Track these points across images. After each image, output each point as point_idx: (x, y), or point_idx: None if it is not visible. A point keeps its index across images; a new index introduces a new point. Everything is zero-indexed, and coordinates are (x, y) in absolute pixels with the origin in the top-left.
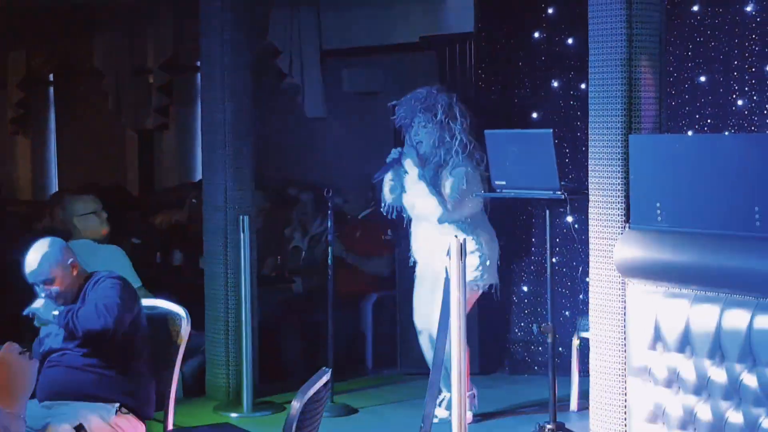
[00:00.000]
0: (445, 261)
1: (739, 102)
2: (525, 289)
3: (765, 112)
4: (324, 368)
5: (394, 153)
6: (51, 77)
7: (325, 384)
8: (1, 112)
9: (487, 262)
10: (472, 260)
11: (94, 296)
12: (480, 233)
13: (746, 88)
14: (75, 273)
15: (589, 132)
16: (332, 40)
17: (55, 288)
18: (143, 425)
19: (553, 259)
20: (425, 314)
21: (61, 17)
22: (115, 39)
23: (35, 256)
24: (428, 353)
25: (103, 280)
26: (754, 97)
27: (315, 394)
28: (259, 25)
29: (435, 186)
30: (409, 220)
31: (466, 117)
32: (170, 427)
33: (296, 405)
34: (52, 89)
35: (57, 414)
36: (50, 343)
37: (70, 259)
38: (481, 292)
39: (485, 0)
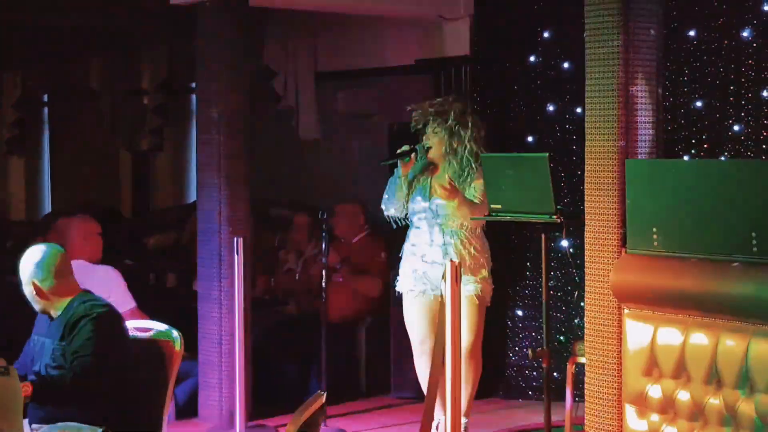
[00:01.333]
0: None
1: (735, 127)
2: (520, 313)
3: (761, 137)
4: (319, 391)
5: (404, 147)
6: (46, 98)
7: (320, 407)
8: None
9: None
10: (483, 273)
11: (71, 347)
12: (483, 244)
13: (742, 114)
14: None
15: (586, 156)
16: (327, 62)
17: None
18: None
19: (549, 283)
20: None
21: (56, 38)
22: (111, 60)
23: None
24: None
25: (83, 325)
26: (750, 123)
27: (310, 417)
28: (254, 46)
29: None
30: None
31: (478, 127)
32: None
33: (291, 429)
34: (46, 110)
35: None
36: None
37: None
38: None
39: (481, 24)
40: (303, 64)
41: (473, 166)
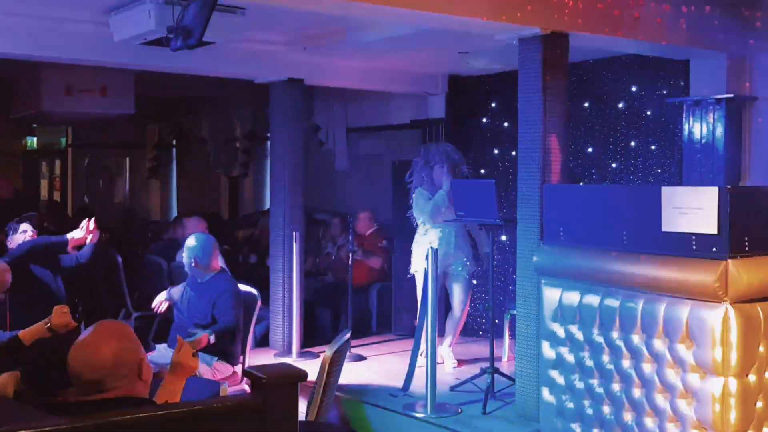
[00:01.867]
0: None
1: (613, 165)
2: (475, 282)
3: (629, 171)
4: (345, 330)
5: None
6: (174, 142)
7: (346, 340)
8: (142, 164)
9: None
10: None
11: (220, 308)
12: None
13: (618, 156)
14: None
15: (518, 182)
16: (354, 120)
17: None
18: (232, 368)
19: (494, 264)
20: None
21: (180, 103)
22: (216, 118)
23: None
24: None
25: (224, 292)
26: (622, 162)
27: (340, 346)
28: (308, 110)
29: None
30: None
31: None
32: (246, 366)
33: (328, 353)
34: (174, 150)
35: None
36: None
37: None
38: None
39: (452, 96)
40: (338, 122)
41: None
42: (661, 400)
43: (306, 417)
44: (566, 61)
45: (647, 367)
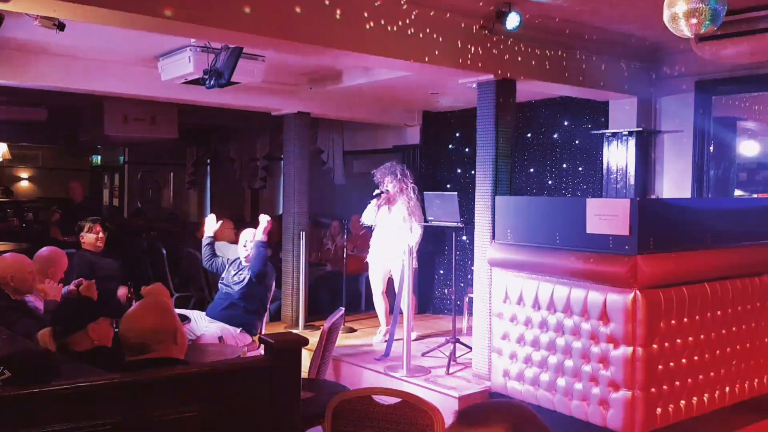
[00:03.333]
0: (397, 255)
1: (549, 182)
2: (441, 271)
3: (562, 187)
4: (340, 308)
5: (377, 191)
6: (208, 160)
7: (341, 315)
8: (183, 177)
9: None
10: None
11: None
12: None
13: (553, 175)
14: None
15: (476, 194)
16: (349, 144)
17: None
18: (251, 337)
19: (456, 257)
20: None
21: (214, 130)
22: (242, 142)
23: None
24: (378, 304)
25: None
26: (556, 180)
27: (335, 320)
28: (313, 137)
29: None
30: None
31: (410, 177)
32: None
33: (326, 326)
34: (209, 167)
35: (210, 328)
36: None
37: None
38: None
39: (426, 127)
40: (337, 146)
41: (413, 204)
42: (585, 365)
43: (308, 375)
44: (514, 101)
45: (573, 339)
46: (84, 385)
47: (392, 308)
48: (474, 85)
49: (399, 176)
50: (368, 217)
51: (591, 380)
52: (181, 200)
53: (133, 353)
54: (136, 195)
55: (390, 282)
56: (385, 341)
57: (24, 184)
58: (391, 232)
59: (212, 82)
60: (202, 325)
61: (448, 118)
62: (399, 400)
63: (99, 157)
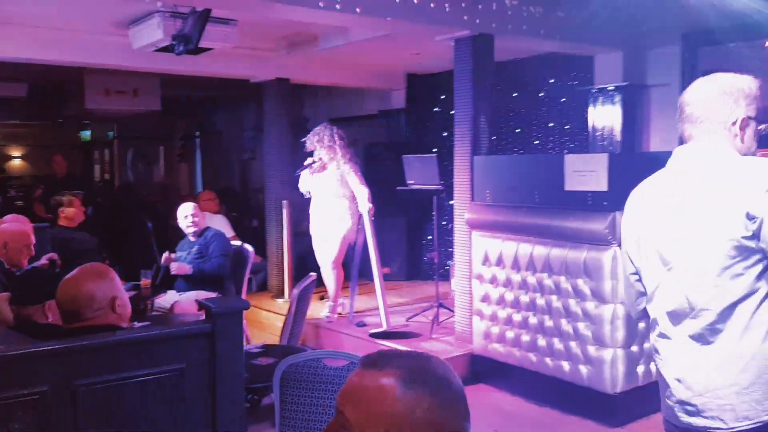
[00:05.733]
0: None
1: (536, 141)
2: (429, 237)
3: (548, 147)
4: (311, 273)
5: (309, 159)
6: (197, 134)
7: (311, 282)
8: (173, 151)
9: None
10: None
11: (212, 249)
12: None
13: (540, 135)
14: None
15: (454, 155)
16: (335, 112)
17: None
18: None
19: (442, 222)
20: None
21: (201, 102)
22: (229, 114)
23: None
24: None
25: (216, 238)
26: (542, 139)
27: (305, 286)
28: (298, 105)
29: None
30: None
31: (343, 139)
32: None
33: (295, 291)
34: (198, 140)
35: (187, 294)
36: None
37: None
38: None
39: (410, 92)
40: (322, 114)
41: (346, 166)
42: (565, 324)
43: (279, 342)
44: (492, 58)
45: (554, 299)
46: (7, 355)
47: (349, 277)
48: (451, 42)
49: (326, 142)
50: (303, 185)
51: (572, 339)
52: (172, 174)
53: (68, 320)
54: (127, 170)
55: (348, 251)
56: (338, 315)
57: (16, 163)
58: (326, 200)
59: (181, 48)
60: (174, 297)
61: (433, 80)
62: (348, 361)
63: (89, 133)
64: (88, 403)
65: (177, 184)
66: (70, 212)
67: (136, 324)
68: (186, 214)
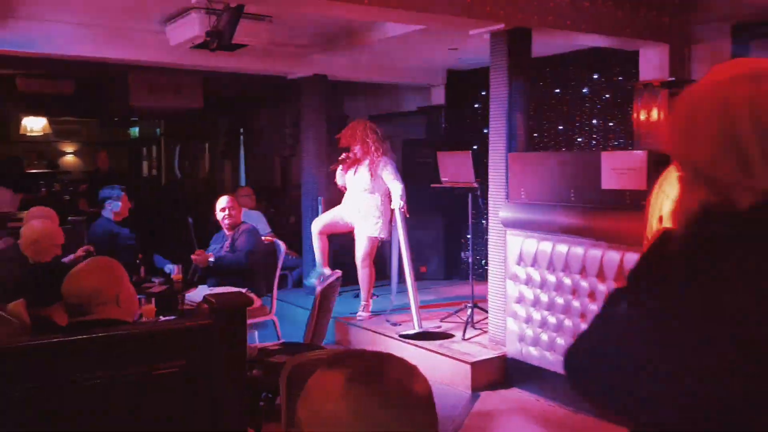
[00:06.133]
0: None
1: (579, 139)
2: (469, 236)
3: (592, 145)
4: (336, 270)
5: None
6: (241, 130)
7: (336, 279)
8: (217, 148)
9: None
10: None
11: (239, 244)
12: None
13: (583, 132)
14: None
15: (489, 151)
16: (373, 109)
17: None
18: (260, 299)
19: (480, 220)
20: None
21: (244, 101)
22: (271, 110)
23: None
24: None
25: (245, 233)
26: (585, 137)
27: (330, 283)
28: (338, 103)
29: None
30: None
31: (377, 133)
32: (275, 298)
33: (318, 289)
34: (242, 137)
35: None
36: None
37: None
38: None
39: (450, 88)
40: (361, 111)
41: (380, 161)
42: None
43: (303, 340)
44: (529, 52)
45: (589, 302)
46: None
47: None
48: (486, 36)
49: (360, 136)
50: (339, 179)
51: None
52: (216, 171)
53: (73, 315)
54: (174, 166)
55: (380, 249)
56: (369, 315)
57: (69, 158)
58: (357, 195)
59: (215, 44)
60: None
61: (473, 76)
62: None
63: (137, 130)
64: (86, 399)
65: (221, 180)
66: (118, 206)
67: (162, 318)
68: (222, 207)
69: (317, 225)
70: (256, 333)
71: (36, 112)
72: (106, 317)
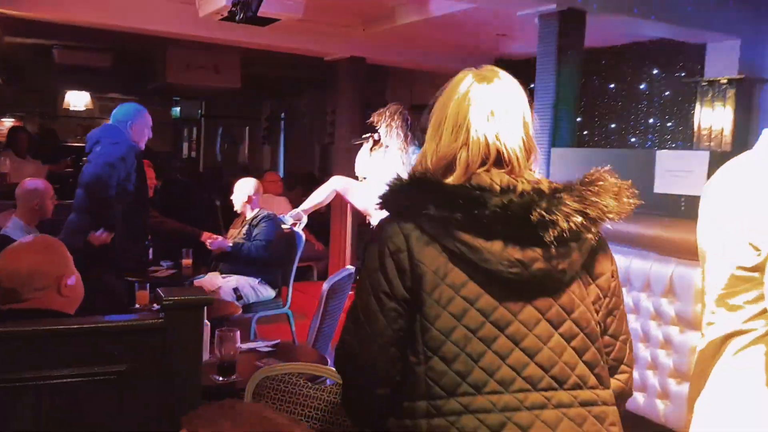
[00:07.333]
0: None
1: (633, 139)
2: None
3: (646, 146)
4: (347, 267)
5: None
6: (282, 115)
7: (347, 275)
8: (257, 133)
9: None
10: None
11: (257, 233)
12: None
13: (638, 132)
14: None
15: None
16: (418, 98)
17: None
18: (274, 291)
19: None
20: None
21: (287, 84)
22: (313, 97)
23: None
24: None
25: (264, 220)
26: (640, 137)
27: (338, 280)
28: (381, 90)
29: None
30: None
31: (407, 120)
32: (290, 291)
33: (325, 286)
34: (282, 122)
35: (228, 280)
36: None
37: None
38: None
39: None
40: (405, 100)
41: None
42: (643, 349)
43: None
44: (582, 37)
45: (632, 318)
46: None
47: None
48: (535, 19)
49: (387, 120)
50: (359, 167)
51: (649, 368)
52: (255, 155)
53: (4, 301)
54: (213, 149)
55: None
56: None
57: None
58: (378, 186)
59: (241, 15)
60: (217, 280)
61: (523, 67)
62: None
63: (179, 110)
64: (7, 404)
65: (259, 166)
66: None
67: (155, 307)
68: (242, 189)
69: (339, 181)
70: (238, 332)
71: (77, 86)
72: (44, 306)
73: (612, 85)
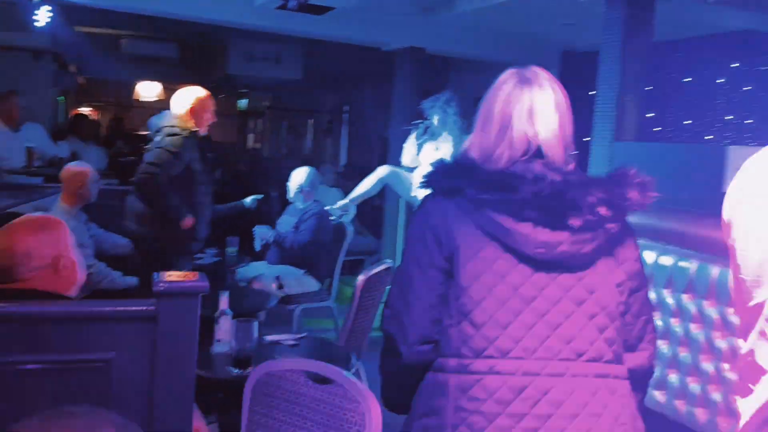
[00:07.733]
0: None
1: (708, 136)
2: None
3: (722, 143)
4: (386, 260)
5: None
6: (346, 107)
7: (385, 268)
8: (321, 124)
9: None
10: None
11: (304, 225)
12: None
13: (713, 129)
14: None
15: (591, 140)
16: (481, 90)
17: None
18: (318, 283)
19: None
20: None
21: (349, 78)
22: (376, 89)
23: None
24: None
25: (313, 216)
26: (716, 134)
27: (375, 272)
28: (443, 81)
29: None
30: None
31: (460, 109)
32: (335, 283)
33: (361, 277)
34: (347, 115)
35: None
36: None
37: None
38: None
39: (565, 70)
40: (468, 92)
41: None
42: (705, 362)
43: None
44: (650, 26)
45: (694, 328)
46: None
47: None
48: (602, 8)
49: (439, 107)
50: (407, 157)
51: (712, 382)
52: (318, 147)
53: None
54: (277, 140)
55: None
56: None
57: None
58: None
59: (294, 3)
60: (260, 268)
61: (591, 59)
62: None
63: (246, 102)
64: None
65: (321, 159)
66: None
67: None
68: (297, 178)
69: (386, 171)
70: (256, 323)
71: (147, 77)
72: (40, 287)
73: (688, 79)
